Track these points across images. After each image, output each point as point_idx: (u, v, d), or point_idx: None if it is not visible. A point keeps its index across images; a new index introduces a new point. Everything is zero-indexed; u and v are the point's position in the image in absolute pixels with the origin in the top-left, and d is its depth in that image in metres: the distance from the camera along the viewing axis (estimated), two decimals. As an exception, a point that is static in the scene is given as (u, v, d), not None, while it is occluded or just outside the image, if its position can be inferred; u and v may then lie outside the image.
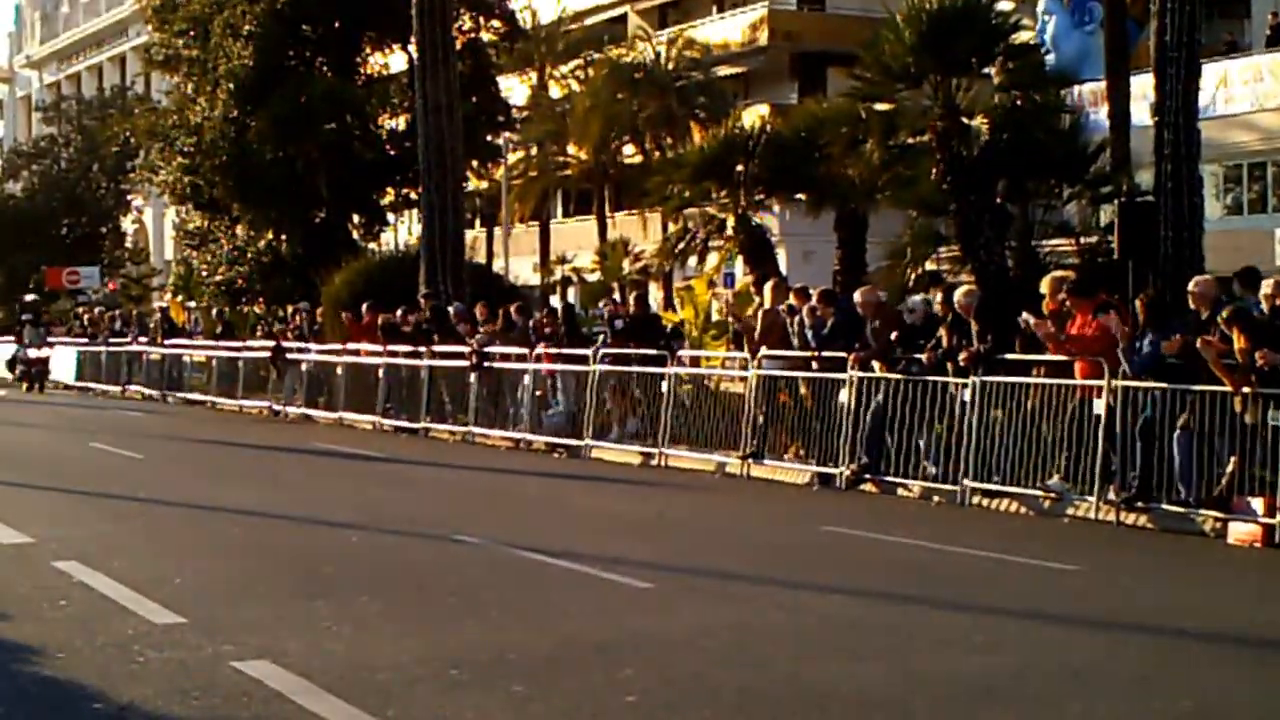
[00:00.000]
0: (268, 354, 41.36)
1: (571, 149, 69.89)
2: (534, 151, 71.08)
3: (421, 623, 12.72)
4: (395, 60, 54.79)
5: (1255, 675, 11.14)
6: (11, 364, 58.14)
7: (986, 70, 30.62)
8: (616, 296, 33.31)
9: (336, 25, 53.14)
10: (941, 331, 22.64)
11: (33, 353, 55.39)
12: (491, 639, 11.91)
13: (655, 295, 53.91)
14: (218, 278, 53.88)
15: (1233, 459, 18.28)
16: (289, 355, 40.31)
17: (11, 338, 59.88)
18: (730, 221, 34.26)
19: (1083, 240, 29.47)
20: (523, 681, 10.48)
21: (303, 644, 11.66)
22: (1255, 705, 10.16)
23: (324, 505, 20.92)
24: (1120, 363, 19.76)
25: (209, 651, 11.34)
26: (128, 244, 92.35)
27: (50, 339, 57.07)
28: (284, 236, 52.99)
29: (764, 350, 25.95)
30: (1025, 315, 21.11)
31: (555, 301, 52.14)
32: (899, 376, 22.81)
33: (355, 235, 53.70)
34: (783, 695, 10.15)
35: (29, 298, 64.36)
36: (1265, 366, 17.66)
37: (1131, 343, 19.81)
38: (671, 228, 39.04)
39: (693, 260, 37.46)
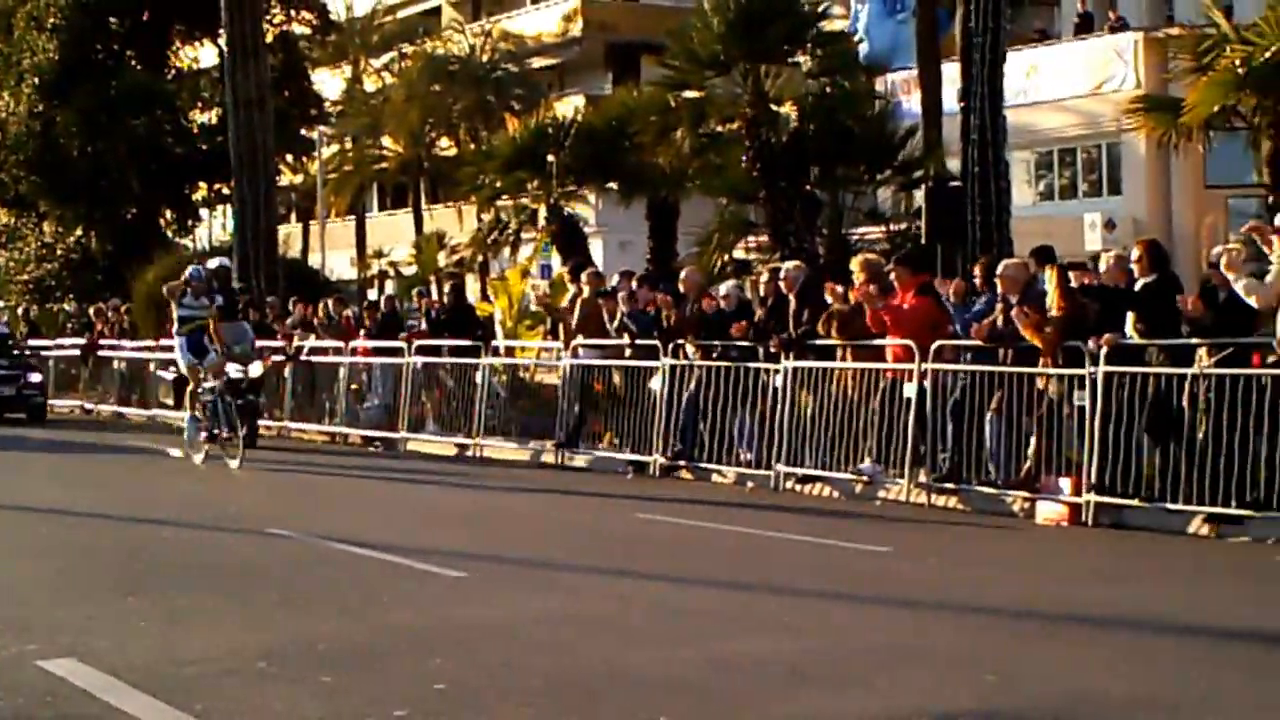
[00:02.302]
0: (78, 351, 40.87)
1: (387, 142, 69.55)
2: (349, 145, 70.67)
3: (232, 617, 12.61)
4: (206, 54, 54.25)
5: (1057, 649, 11.33)
6: None
7: (797, 59, 30.83)
8: (434, 291, 33.13)
9: (145, 18, 52.54)
10: (759, 312, 22.78)
11: None
12: (302, 631, 11.84)
13: (473, 287, 53.85)
14: (25, 276, 53.08)
15: (1033, 439, 18.63)
16: (101, 353, 39.85)
17: None
18: (542, 212, 34.32)
19: (892, 226, 29.82)
20: (332, 672, 10.42)
21: (112, 641, 11.51)
22: (1056, 677, 10.32)
23: (138, 503, 20.72)
24: (931, 345, 20.02)
25: (13, 651, 11.15)
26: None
27: None
28: (94, 233, 52.30)
29: (579, 339, 26.02)
30: (837, 286, 21.28)
31: (373, 295, 51.85)
32: (712, 363, 22.93)
33: (168, 231, 53.08)
34: (591, 681, 10.18)
35: None
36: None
37: (965, 302, 20.17)
38: (485, 219, 39.00)
39: (507, 251, 37.48)
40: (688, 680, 10.20)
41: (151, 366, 37.62)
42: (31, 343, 44.88)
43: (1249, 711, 9.49)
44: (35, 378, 38.65)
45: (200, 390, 25.57)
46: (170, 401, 34.17)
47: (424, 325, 30.11)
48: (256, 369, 28.36)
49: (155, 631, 11.97)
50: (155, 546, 16.75)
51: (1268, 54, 27.07)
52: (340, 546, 16.36)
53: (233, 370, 26.53)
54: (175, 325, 25.91)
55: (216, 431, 25.48)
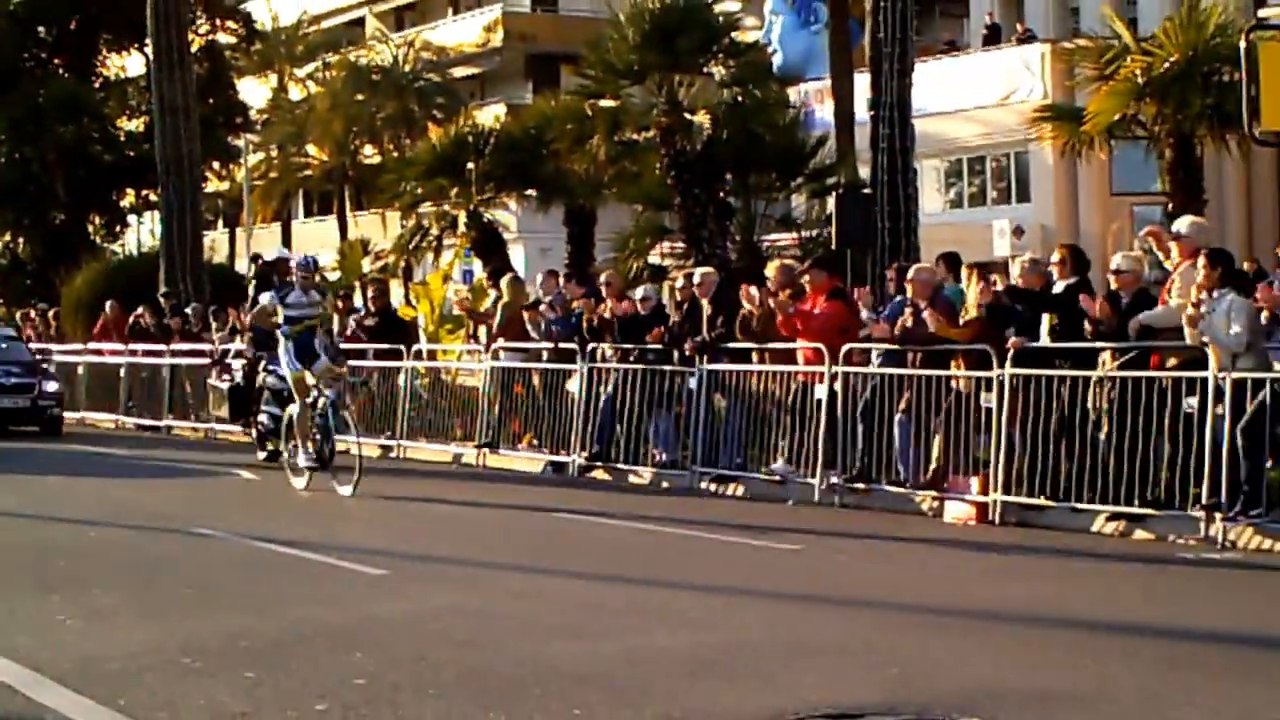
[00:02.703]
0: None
1: (312, 150, 69.36)
2: (275, 153, 70.44)
3: (155, 613, 12.60)
4: (134, 62, 54.02)
5: (960, 643, 11.44)
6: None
7: (711, 69, 30.97)
8: (356, 296, 33.03)
9: (73, 27, 52.28)
10: (673, 316, 22.88)
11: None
12: (224, 627, 11.84)
13: (397, 292, 53.74)
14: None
15: (937, 439, 18.79)
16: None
17: None
18: (462, 218, 34.36)
19: (804, 232, 29.98)
20: (253, 667, 10.44)
21: (34, 638, 11.50)
22: (958, 670, 10.43)
23: (62, 502, 20.66)
24: (841, 348, 20.14)
25: (-66, 648, 11.16)
26: None
27: None
28: (22, 238, 52.02)
29: (500, 342, 26.08)
30: (751, 289, 21.39)
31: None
32: (629, 366, 23.00)
33: (96, 237, 52.85)
34: (506, 674, 10.24)
35: None
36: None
37: (874, 309, 20.40)
38: (408, 225, 39.02)
39: (430, 257, 37.50)
40: (600, 672, 10.27)
41: (80, 370, 36.96)
42: None
43: (1139, 701, 9.62)
44: (52, 386, 33.98)
45: (305, 403, 21.34)
46: (223, 413, 29.85)
47: (349, 333, 29.91)
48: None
49: (77, 628, 11.98)
50: (78, 545, 16.71)
51: (1166, 64, 27.36)
52: (264, 545, 16.37)
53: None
54: (269, 323, 22.37)
55: (318, 448, 21.48)
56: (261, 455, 25.10)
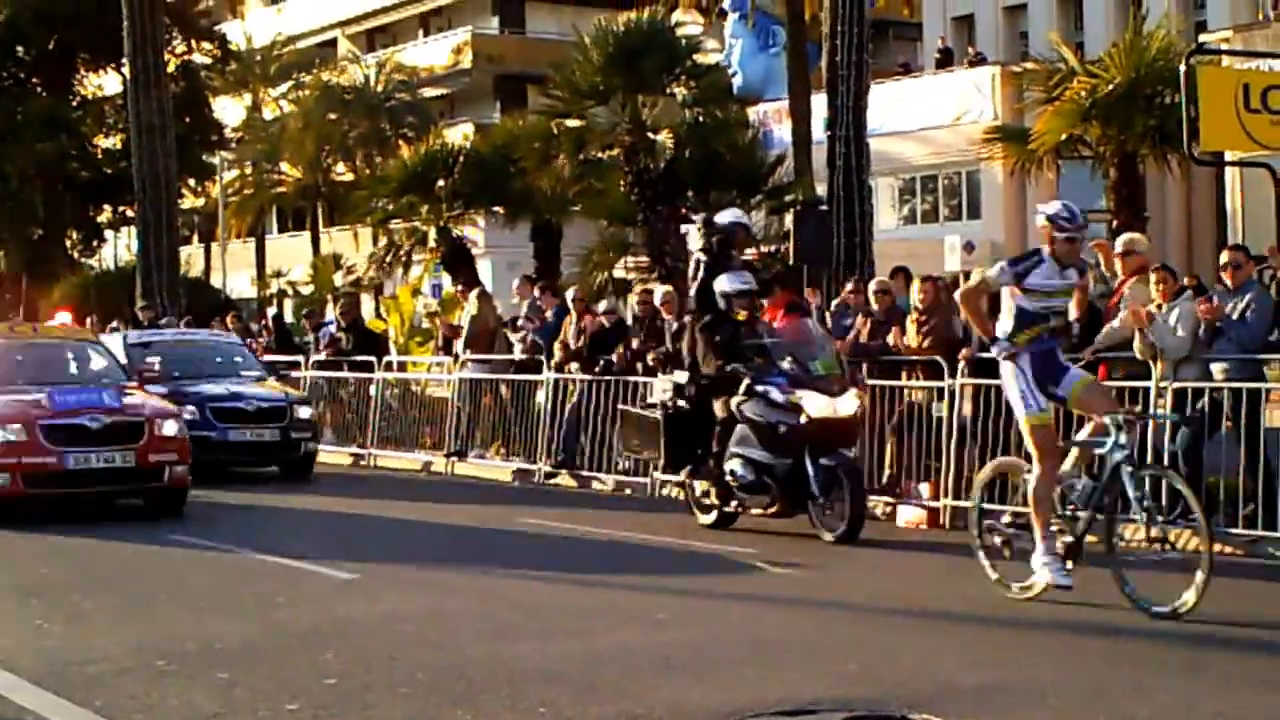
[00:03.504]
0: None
1: (286, 167, 69.23)
2: (249, 170, 70.29)
3: (133, 618, 12.59)
4: (111, 81, 53.90)
5: (915, 641, 11.48)
6: None
7: (673, 90, 31.06)
8: (329, 310, 33.02)
9: (51, 47, 52.15)
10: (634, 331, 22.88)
11: None
12: (199, 630, 11.83)
13: (369, 305, 53.79)
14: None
15: (889, 446, 18.86)
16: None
17: None
18: (432, 234, 34.38)
19: (763, 248, 30.08)
20: (228, 669, 10.44)
21: (13, 641, 11.50)
22: (913, 667, 10.47)
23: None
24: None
25: (-86, 651, 11.11)
26: None
27: None
28: (1, 252, 51.92)
29: (468, 354, 26.08)
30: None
31: (272, 312, 51.63)
32: (594, 377, 23.00)
33: (73, 252, 52.72)
34: (475, 673, 10.24)
35: None
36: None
37: (838, 318, 20.51)
38: (380, 241, 39.05)
39: (400, 271, 37.51)
40: (565, 671, 10.29)
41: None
42: None
43: (1088, 694, 9.66)
44: (305, 412, 24.78)
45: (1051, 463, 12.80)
46: (646, 453, 19.75)
47: (323, 348, 29.81)
48: (850, 403, 17.08)
49: (56, 632, 11.96)
50: (58, 552, 16.65)
51: (1111, 86, 27.52)
52: (238, 552, 16.36)
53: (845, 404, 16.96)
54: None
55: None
56: (707, 519, 18.15)
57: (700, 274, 17.93)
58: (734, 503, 17.66)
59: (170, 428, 19.40)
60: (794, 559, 15.95)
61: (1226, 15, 43.48)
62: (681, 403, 18.22)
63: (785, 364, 16.89)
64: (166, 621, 12.38)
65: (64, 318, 26.85)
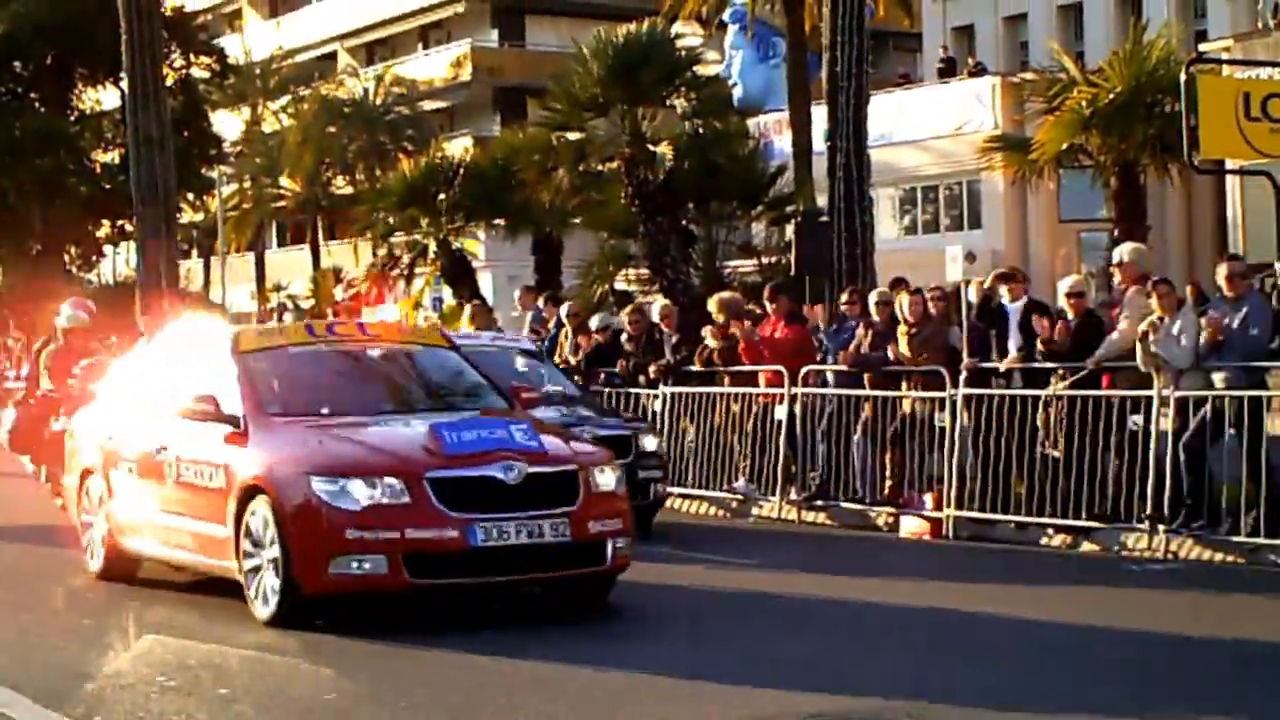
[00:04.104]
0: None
1: (285, 181, 69.23)
2: (248, 184, 70.29)
3: (133, 633, 12.60)
4: (109, 96, 53.87)
5: (912, 653, 11.50)
6: None
7: (672, 102, 31.02)
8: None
9: (48, 61, 52.14)
10: (629, 348, 22.84)
11: None
12: (200, 645, 11.83)
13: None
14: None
15: (888, 457, 18.88)
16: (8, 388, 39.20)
17: None
18: (432, 247, 34.35)
19: (764, 259, 30.08)
20: (228, 684, 10.48)
21: (11, 657, 11.49)
22: (911, 678, 10.48)
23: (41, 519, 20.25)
24: (803, 369, 20.20)
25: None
26: None
27: None
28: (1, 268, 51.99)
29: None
30: (709, 328, 21.48)
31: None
32: (596, 389, 22.94)
33: (72, 267, 52.72)
34: (473, 687, 10.20)
35: None
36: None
37: (831, 329, 20.65)
38: (380, 254, 38.97)
39: (401, 284, 37.41)
40: (565, 686, 10.29)
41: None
42: None
43: (1079, 704, 9.66)
44: (650, 443, 19.45)
45: None
46: None
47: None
48: None
49: (56, 647, 11.93)
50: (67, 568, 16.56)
51: (1111, 95, 27.49)
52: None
53: None
54: None
55: None
56: None
57: None
58: None
59: (608, 479, 13.20)
60: (795, 569, 15.98)
61: (1227, 24, 43.47)
62: None
63: None
64: (168, 636, 12.33)
65: (389, 313, 19.97)
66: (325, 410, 13.46)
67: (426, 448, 12.50)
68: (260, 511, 12.44)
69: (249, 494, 12.59)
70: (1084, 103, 27.88)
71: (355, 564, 12.04)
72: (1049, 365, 17.45)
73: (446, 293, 37.32)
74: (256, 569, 12.52)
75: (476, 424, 13.07)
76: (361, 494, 12.11)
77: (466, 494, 12.31)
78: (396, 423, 13.34)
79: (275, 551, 12.28)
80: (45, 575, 15.91)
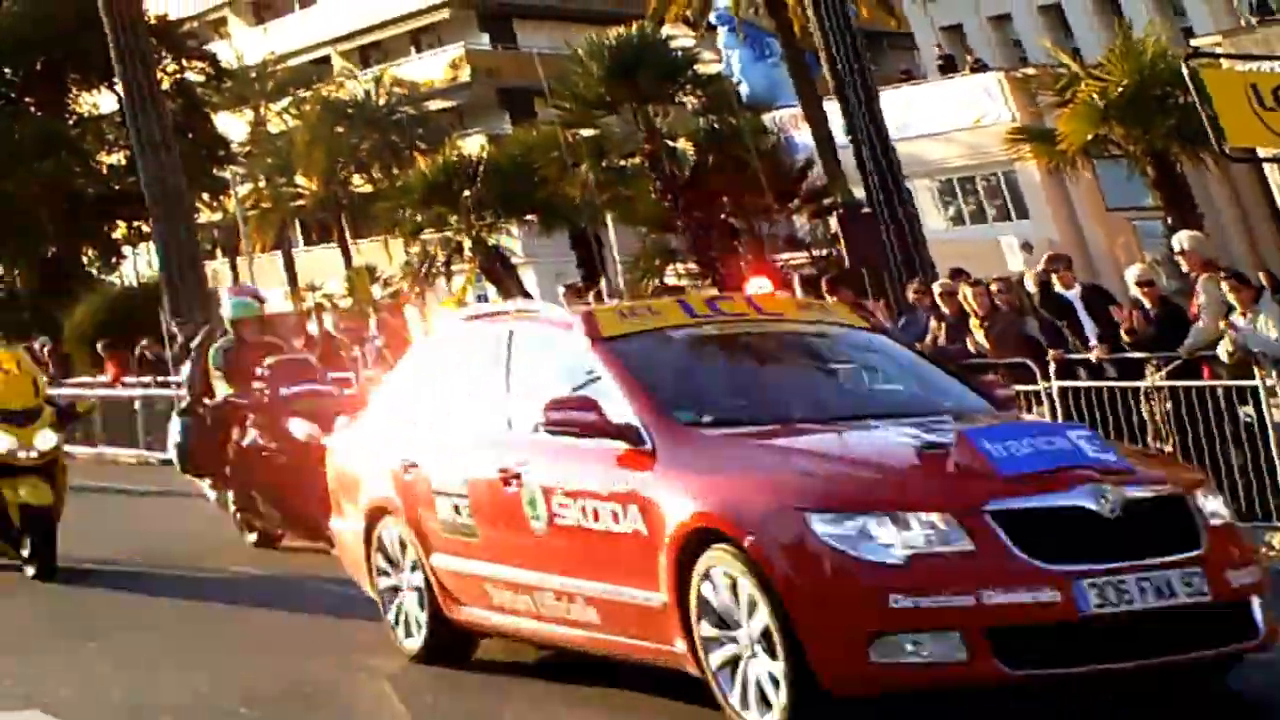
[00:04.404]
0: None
1: (301, 180, 68.25)
2: (263, 184, 69.32)
3: (200, 661, 11.50)
4: (106, 100, 53.25)
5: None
6: None
7: (682, 99, 30.72)
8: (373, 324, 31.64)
9: (39, 67, 51.58)
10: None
11: None
12: (278, 672, 10.82)
13: (415, 318, 52.66)
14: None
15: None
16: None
17: None
18: (467, 244, 33.83)
19: (814, 252, 29.62)
20: (311, 714, 9.98)
21: (75, 690, 10.48)
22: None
23: (90, 543, 17.47)
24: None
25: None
26: None
27: None
28: (17, 271, 51.29)
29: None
30: None
31: (312, 327, 50.37)
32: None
33: (91, 268, 52.18)
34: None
35: None
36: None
37: (900, 322, 19.87)
38: (413, 251, 38.31)
39: (443, 282, 36.89)
40: (568, 698, 9.92)
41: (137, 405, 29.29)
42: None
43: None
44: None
45: None
46: None
47: (372, 363, 28.25)
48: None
49: (122, 678, 10.89)
50: (114, 589, 15.10)
51: (1120, 88, 27.15)
52: (314, 582, 14.39)
53: None
54: None
55: None
56: None
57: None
58: None
59: (1217, 507, 8.96)
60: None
61: (1208, 21, 43.57)
62: None
63: None
64: (237, 662, 11.41)
65: (761, 284, 13.14)
66: (745, 417, 9.43)
67: (963, 466, 8.39)
68: (724, 569, 8.43)
69: (695, 541, 8.57)
70: (1095, 95, 27.61)
71: (911, 646, 7.97)
72: (1139, 355, 16.60)
73: (490, 291, 36.55)
74: (733, 659, 8.51)
75: (1018, 430, 8.88)
76: (893, 538, 8.03)
77: (1049, 535, 8.12)
78: (868, 431, 9.18)
79: (762, 626, 8.26)
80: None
